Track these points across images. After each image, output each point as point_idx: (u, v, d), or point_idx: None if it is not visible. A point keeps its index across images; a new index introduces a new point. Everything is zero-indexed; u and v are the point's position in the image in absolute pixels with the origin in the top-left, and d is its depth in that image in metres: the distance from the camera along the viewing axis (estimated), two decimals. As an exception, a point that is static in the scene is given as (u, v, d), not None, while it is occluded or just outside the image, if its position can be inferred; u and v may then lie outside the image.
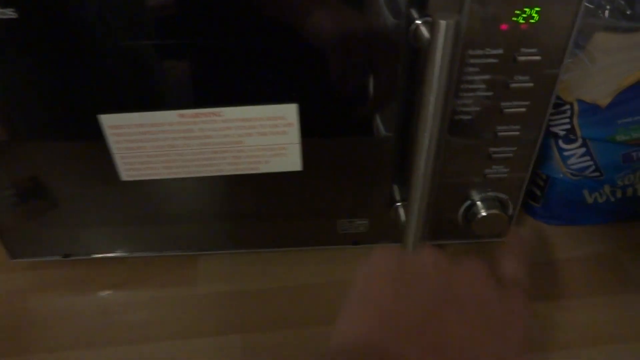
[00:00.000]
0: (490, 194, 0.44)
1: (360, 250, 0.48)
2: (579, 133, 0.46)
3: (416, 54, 0.36)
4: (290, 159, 0.41)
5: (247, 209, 0.45)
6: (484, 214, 0.43)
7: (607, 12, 0.43)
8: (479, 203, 0.44)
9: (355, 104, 0.39)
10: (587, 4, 0.43)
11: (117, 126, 0.38)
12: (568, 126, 0.46)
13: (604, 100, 0.45)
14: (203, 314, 0.45)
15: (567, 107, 0.46)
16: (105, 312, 0.46)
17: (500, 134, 0.40)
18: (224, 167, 0.41)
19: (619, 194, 0.49)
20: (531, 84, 0.37)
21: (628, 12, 0.43)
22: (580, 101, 0.45)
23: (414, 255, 0.28)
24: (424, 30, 0.33)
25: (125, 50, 0.35)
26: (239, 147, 0.40)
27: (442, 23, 0.29)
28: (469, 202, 0.44)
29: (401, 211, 0.44)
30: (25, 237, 0.46)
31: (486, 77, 0.36)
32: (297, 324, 0.44)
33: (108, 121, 0.38)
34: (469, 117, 0.39)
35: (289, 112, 0.38)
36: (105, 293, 0.47)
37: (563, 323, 0.43)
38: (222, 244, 0.48)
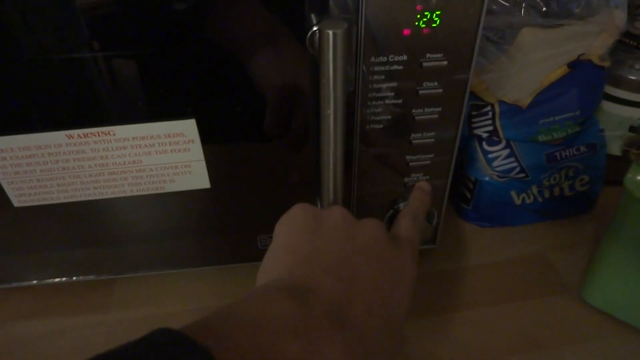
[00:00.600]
0: (413, 202, 0.42)
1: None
2: (501, 134, 0.45)
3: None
4: (196, 177, 0.38)
5: (160, 228, 0.42)
6: (406, 223, 0.41)
7: (523, 10, 0.42)
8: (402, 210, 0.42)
9: (259, 115, 0.36)
10: (503, 2, 0.42)
11: (-2, 150, 0.35)
12: (490, 128, 0.45)
13: (524, 101, 0.44)
14: (116, 341, 0.42)
15: (489, 108, 0.45)
16: (12, 345, 0.42)
17: (415, 141, 0.38)
18: (126, 188, 0.38)
19: (546, 194, 0.48)
20: (440, 90, 0.35)
21: (544, 10, 0.42)
22: (501, 102, 0.44)
23: (327, 211, 0.31)
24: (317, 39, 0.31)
25: (6, 65, 0.32)
26: (139, 167, 0.37)
27: (329, 33, 0.27)
28: (391, 212, 0.42)
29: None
30: None
31: (393, 84, 0.35)
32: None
33: (-13, 145, 0.34)
34: (380, 126, 0.37)
35: (188, 128, 0.35)
36: (12, 325, 0.44)
37: (494, 329, 0.42)
38: (137, 266, 0.45)
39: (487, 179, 0.47)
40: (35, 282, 0.44)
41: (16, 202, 0.38)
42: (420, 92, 0.35)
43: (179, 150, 0.36)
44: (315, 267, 0.28)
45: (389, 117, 0.36)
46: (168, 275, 0.47)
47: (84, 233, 0.42)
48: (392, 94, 0.35)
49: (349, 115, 0.35)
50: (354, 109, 0.36)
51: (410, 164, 0.39)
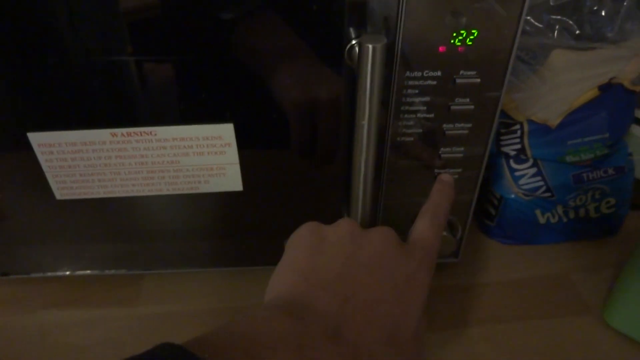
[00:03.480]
0: (438, 215, 0.43)
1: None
2: (529, 153, 0.46)
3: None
4: (230, 179, 0.40)
5: (191, 228, 0.44)
6: (430, 235, 0.42)
7: (556, 33, 0.43)
8: (427, 224, 0.43)
9: (295, 122, 0.38)
10: (537, 24, 0.43)
11: (46, 144, 0.37)
12: (519, 146, 0.46)
13: (554, 121, 0.44)
14: (145, 335, 0.44)
15: (518, 126, 0.45)
16: (44, 332, 0.44)
17: (444, 155, 0.39)
18: (162, 186, 0.40)
19: (571, 215, 0.49)
20: (472, 107, 0.36)
21: (577, 32, 0.43)
22: (530, 121, 0.45)
23: (333, 227, 0.32)
24: (357, 51, 0.32)
25: (56, 66, 0.33)
26: (176, 167, 0.39)
27: (369, 47, 0.29)
28: (417, 223, 0.43)
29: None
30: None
31: (426, 99, 0.36)
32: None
33: (37, 139, 0.36)
34: (411, 138, 0.38)
35: (226, 131, 0.37)
36: (45, 313, 0.46)
37: (513, 347, 0.43)
38: (166, 264, 0.46)
39: (512, 196, 0.48)
40: (68, 272, 0.46)
41: (58, 195, 0.40)
42: (452, 107, 0.36)
43: (216, 153, 0.38)
44: (313, 284, 0.28)
45: (420, 130, 0.37)
46: (195, 273, 0.48)
47: (118, 228, 0.43)
48: (425, 108, 0.36)
49: (381, 126, 0.37)
50: (387, 120, 0.37)
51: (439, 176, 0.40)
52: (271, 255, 0.46)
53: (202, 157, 0.38)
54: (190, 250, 0.46)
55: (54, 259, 0.45)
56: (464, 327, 0.44)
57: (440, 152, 0.39)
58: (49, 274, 0.46)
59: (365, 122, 0.32)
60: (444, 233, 0.42)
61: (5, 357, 0.42)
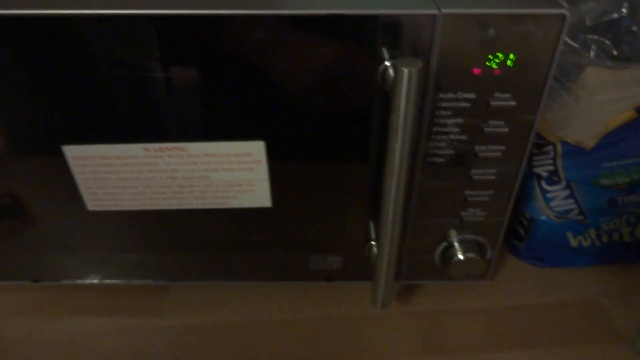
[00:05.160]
0: (467, 236, 0.42)
1: (333, 287, 0.47)
2: (562, 175, 0.45)
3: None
4: (259, 195, 0.40)
5: (217, 241, 0.44)
6: (460, 257, 0.42)
7: (592, 52, 0.42)
8: (455, 245, 0.42)
9: (326, 142, 0.38)
10: (572, 43, 0.42)
11: (80, 157, 0.37)
12: (551, 167, 0.45)
13: (588, 142, 0.43)
14: (170, 346, 0.44)
15: (550, 147, 0.44)
16: (72, 339, 0.45)
17: (475, 177, 0.38)
18: (191, 201, 0.40)
19: (604, 239, 0.47)
20: (506, 129, 0.35)
21: (614, 53, 0.42)
22: (564, 142, 0.44)
23: None
24: (391, 73, 0.32)
25: (90, 82, 0.34)
26: (206, 182, 0.39)
27: (404, 71, 0.28)
28: (445, 244, 0.43)
29: (375, 250, 0.43)
30: (-4, 260, 0.45)
31: (459, 120, 0.35)
32: (263, 363, 0.43)
33: (71, 152, 0.37)
34: (442, 160, 0.37)
35: (256, 149, 0.37)
36: (74, 320, 0.46)
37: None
38: (192, 275, 0.47)
39: (543, 218, 0.47)
40: (96, 281, 0.47)
41: (90, 206, 0.41)
42: (486, 129, 0.36)
43: (245, 170, 0.38)
44: None
45: (452, 152, 0.37)
46: (221, 286, 0.48)
47: (147, 239, 0.44)
48: (457, 129, 0.36)
49: (412, 147, 0.36)
50: (418, 141, 0.36)
51: (469, 198, 0.39)
52: (297, 271, 0.46)
53: (231, 173, 0.38)
54: (216, 263, 0.46)
55: (83, 267, 0.46)
56: (491, 351, 0.43)
57: (471, 174, 0.38)
58: (78, 281, 0.47)
59: (397, 145, 0.32)
60: (473, 255, 0.42)
61: (34, 362, 0.43)
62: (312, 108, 0.36)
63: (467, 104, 0.34)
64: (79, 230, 0.43)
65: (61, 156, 0.37)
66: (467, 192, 0.39)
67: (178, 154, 0.37)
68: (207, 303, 0.47)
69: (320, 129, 0.37)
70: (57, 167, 0.38)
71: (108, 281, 0.47)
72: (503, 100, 0.34)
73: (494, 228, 0.42)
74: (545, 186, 0.46)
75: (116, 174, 0.38)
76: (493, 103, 0.34)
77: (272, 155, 0.37)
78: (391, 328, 0.45)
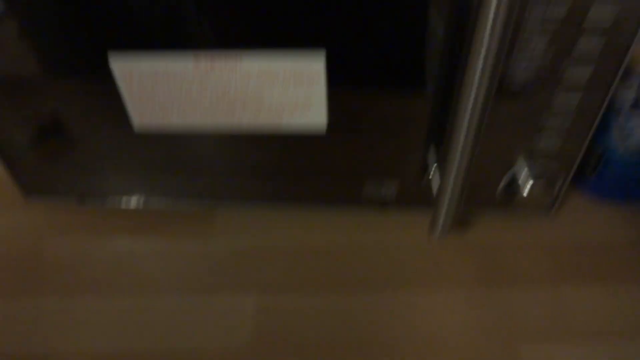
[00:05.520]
0: (537, 166, 0.39)
1: (387, 215, 0.45)
2: (646, 103, 0.40)
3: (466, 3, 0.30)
4: (314, 116, 0.37)
5: (269, 162, 0.42)
6: (526, 188, 0.39)
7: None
8: (523, 175, 0.39)
9: (390, 54, 0.34)
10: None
11: (128, 72, 0.35)
12: (635, 95, 0.40)
13: (682, 67, 0.39)
14: (217, 269, 0.43)
15: (635, 77, 0.40)
16: (117, 259, 0.45)
17: (556, 101, 0.35)
18: (243, 121, 0.38)
19: (683, 174, 0.44)
20: (599, 49, 0.31)
21: None
22: (653, 67, 0.39)
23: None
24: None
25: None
26: (259, 99, 0.36)
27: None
28: (512, 173, 0.40)
29: (436, 177, 0.40)
30: (42, 177, 0.44)
31: (546, 36, 0.31)
32: (312, 288, 0.42)
33: (119, 67, 0.34)
34: (522, 79, 0.34)
35: (315, 61, 0.34)
36: (118, 241, 0.46)
37: (607, 310, 0.40)
38: (241, 197, 0.45)
39: (619, 150, 0.43)
40: (142, 201, 0.46)
41: (137, 125, 0.39)
42: (575, 48, 0.31)
43: (301, 87, 0.35)
44: None
45: (534, 71, 0.33)
46: (269, 211, 0.47)
47: (194, 160, 0.42)
48: (543, 46, 0.32)
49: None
50: (497, 58, 0.33)
51: (546, 124, 0.36)
52: (350, 197, 0.44)
53: (286, 90, 0.35)
54: (266, 187, 0.44)
55: (128, 187, 0.45)
56: (556, 285, 0.41)
57: (552, 98, 0.34)
58: (124, 202, 0.46)
59: (481, 59, 0.28)
60: (540, 186, 0.39)
61: (79, 280, 0.43)
62: (378, 20, 0.32)
63: (558, 18, 0.30)
64: (125, 150, 0.41)
65: (108, 72, 0.35)
66: (544, 118, 0.36)
67: (230, 68, 0.34)
68: (253, 227, 0.46)
69: (385, 43, 0.33)
70: (104, 84, 0.36)
71: (155, 202, 0.46)
72: (599, 15, 0.30)
73: (567, 159, 0.39)
74: (624, 117, 0.41)
75: (164, 90, 0.36)
76: (588, 17, 0.30)
77: (331, 71, 0.34)
78: (446, 259, 0.43)
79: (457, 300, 0.41)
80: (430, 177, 0.40)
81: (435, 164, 0.40)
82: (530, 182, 0.38)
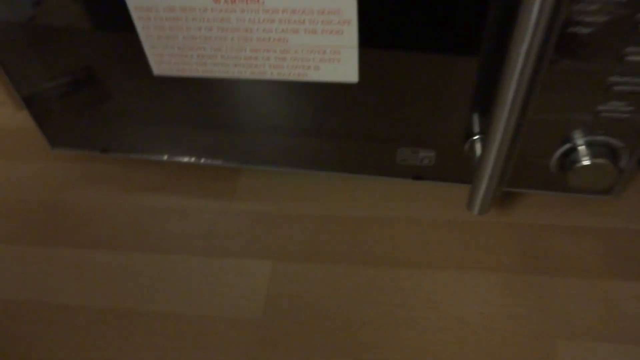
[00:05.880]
0: (600, 137, 0.34)
1: (421, 187, 0.41)
2: None
3: None
4: (345, 67, 0.33)
5: (294, 123, 0.39)
6: (585, 162, 0.34)
7: None
8: (581, 148, 0.34)
9: (430, 8, 0.30)
10: None
11: (144, 8, 0.32)
12: None
13: None
14: (237, 231, 0.41)
15: None
16: (138, 215, 0.43)
17: (629, 57, 0.29)
18: (267, 69, 0.34)
19: None
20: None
21: None
22: None
23: None
24: None
25: None
26: (284, 47, 0.33)
27: None
28: (568, 146, 0.35)
29: (478, 147, 0.36)
30: (66, 128, 0.43)
31: (624, -28, 0.26)
32: (334, 259, 0.39)
33: (133, 1, 0.32)
34: (588, 29, 0.28)
35: (347, 4, 0.30)
36: (141, 195, 0.44)
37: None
38: (265, 160, 0.42)
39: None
40: (165, 157, 0.44)
41: (156, 70, 0.36)
42: (660, -12, 0.26)
43: (331, 32, 0.31)
44: None
45: (604, 18, 0.28)
46: (294, 174, 0.44)
47: (217, 115, 0.39)
48: (618, -14, 0.26)
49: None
50: (558, 3, 0.28)
51: (614, 87, 0.31)
52: (382, 164, 0.40)
53: (314, 36, 0.32)
54: (292, 149, 0.41)
55: (152, 141, 0.43)
56: (606, 278, 0.36)
57: (625, 53, 0.29)
58: (146, 156, 0.44)
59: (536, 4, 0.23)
60: (603, 161, 0.34)
61: (97, 233, 0.42)
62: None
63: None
64: (146, 100, 0.39)
65: (125, 12, 0.32)
66: (612, 79, 0.30)
67: (253, 8, 0.31)
68: (278, 192, 0.43)
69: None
70: (126, 31, 0.34)
71: (177, 158, 0.44)
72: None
73: (637, 128, 0.33)
74: None
75: (183, 31, 0.33)
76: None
77: (365, 16, 0.30)
78: (484, 239, 0.39)
79: (492, 285, 0.36)
80: (471, 149, 0.36)
81: (479, 136, 0.36)
82: (587, 157, 0.33)
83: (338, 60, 0.33)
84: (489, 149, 0.31)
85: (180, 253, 0.40)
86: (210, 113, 0.39)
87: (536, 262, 0.38)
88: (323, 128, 0.38)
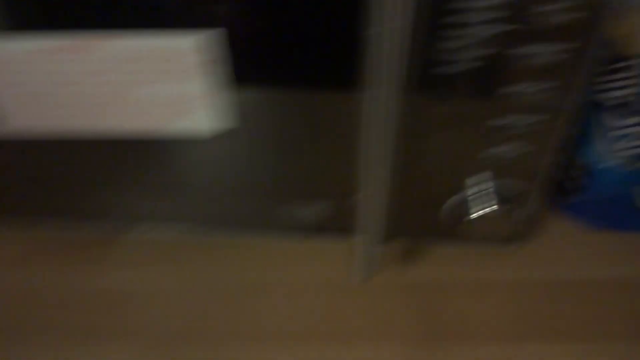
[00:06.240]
0: (491, 184, 0.30)
1: (305, 245, 0.36)
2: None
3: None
4: (205, 117, 0.29)
5: (160, 180, 0.34)
6: (476, 212, 0.30)
7: None
8: (472, 196, 0.31)
9: (302, 40, 0.25)
10: None
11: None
12: (624, 92, 0.32)
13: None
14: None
15: (627, 65, 0.31)
16: None
17: (507, 97, 0.26)
18: (110, 124, 0.29)
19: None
20: (566, 19, 0.23)
21: None
22: (646, 56, 0.30)
23: None
24: None
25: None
26: (124, 98, 0.28)
27: None
28: (460, 194, 0.31)
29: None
30: None
31: (492, 1, 0.22)
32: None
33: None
34: (456, 69, 0.25)
35: (185, 44, 0.25)
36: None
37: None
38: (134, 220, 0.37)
39: (606, 164, 0.34)
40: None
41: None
42: (532, 20, 0.23)
43: (183, 79, 0.27)
44: None
45: (475, 54, 0.24)
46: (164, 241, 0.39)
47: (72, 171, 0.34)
48: (488, 17, 0.23)
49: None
50: (413, 36, 0.24)
51: (497, 129, 0.27)
52: (258, 221, 0.35)
53: (163, 84, 0.27)
54: (160, 206, 0.36)
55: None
56: (517, 341, 0.32)
57: (501, 93, 0.26)
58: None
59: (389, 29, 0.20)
60: (496, 206, 0.30)
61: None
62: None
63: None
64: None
65: None
66: (493, 121, 0.27)
67: (80, 58, 0.26)
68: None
69: (297, 22, 0.25)
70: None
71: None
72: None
73: (533, 173, 0.30)
74: (611, 120, 0.33)
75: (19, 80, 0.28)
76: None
77: (230, 56, 0.26)
78: (377, 304, 0.34)
79: (392, 358, 0.32)
80: (355, 201, 0.32)
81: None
82: (478, 205, 0.30)
83: (195, 111, 0.28)
84: (363, 205, 0.27)
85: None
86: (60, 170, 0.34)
87: (440, 327, 0.33)
88: (191, 182, 0.33)
